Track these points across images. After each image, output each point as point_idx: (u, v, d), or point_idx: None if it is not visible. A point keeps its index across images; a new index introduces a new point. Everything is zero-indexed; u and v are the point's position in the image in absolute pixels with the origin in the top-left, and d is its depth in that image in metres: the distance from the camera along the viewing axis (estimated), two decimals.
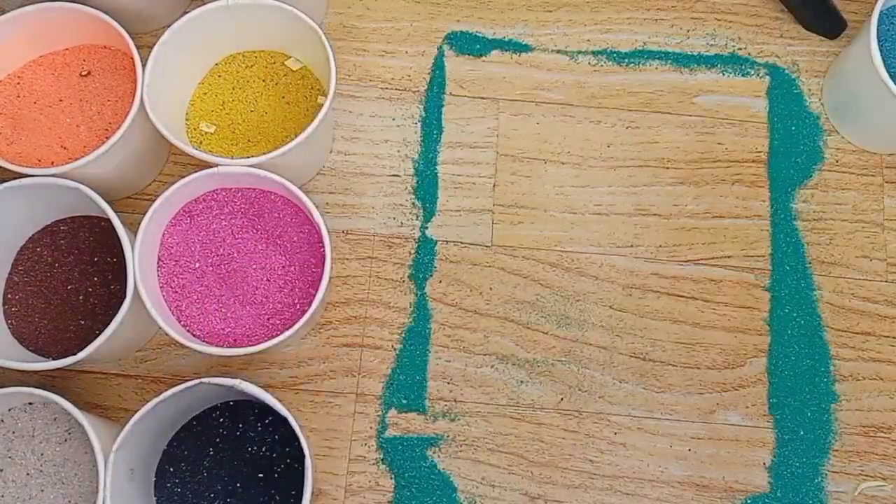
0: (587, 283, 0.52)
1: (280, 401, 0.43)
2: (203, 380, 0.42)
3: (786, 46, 0.57)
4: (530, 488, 0.49)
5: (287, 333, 0.44)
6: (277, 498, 0.45)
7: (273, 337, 0.44)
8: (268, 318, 0.47)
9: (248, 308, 0.47)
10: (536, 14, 0.57)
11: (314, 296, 0.45)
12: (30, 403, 0.45)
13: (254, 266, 0.48)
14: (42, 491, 0.44)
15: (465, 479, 0.49)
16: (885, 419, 0.51)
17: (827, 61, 0.57)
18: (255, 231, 0.49)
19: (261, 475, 0.46)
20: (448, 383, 0.50)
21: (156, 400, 0.42)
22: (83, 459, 0.45)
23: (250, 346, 0.44)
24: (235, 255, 0.48)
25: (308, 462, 0.42)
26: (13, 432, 0.45)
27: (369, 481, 0.49)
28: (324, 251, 0.46)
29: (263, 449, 0.46)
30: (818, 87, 0.56)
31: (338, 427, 0.49)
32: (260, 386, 0.43)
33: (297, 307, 0.47)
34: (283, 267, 0.48)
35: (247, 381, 0.43)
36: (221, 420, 0.47)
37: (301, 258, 0.48)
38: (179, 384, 0.42)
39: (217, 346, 0.46)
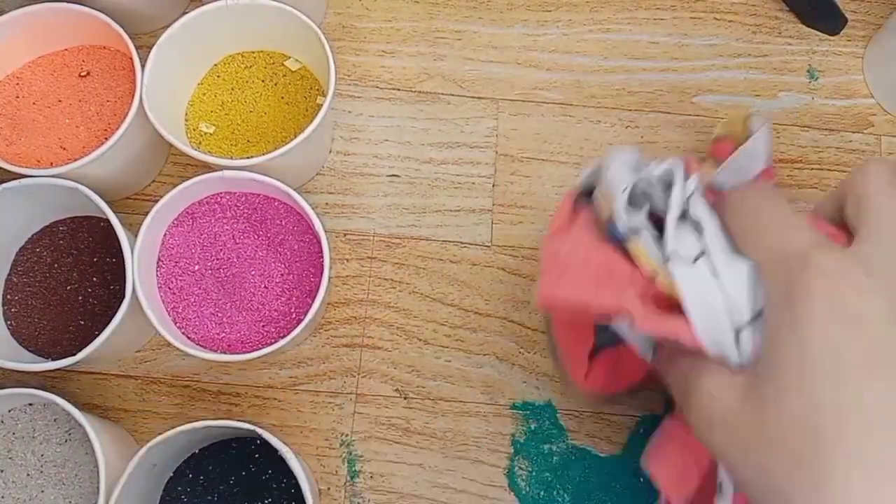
0: None
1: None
2: (212, 423, 0.42)
3: (785, 45, 0.57)
4: None
5: (282, 342, 0.44)
6: None
7: (268, 344, 0.44)
8: (263, 326, 0.47)
9: (244, 314, 0.47)
10: (536, 14, 0.57)
11: (311, 305, 0.45)
12: (30, 404, 0.45)
13: (252, 272, 0.48)
14: (42, 492, 0.44)
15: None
16: None
17: (826, 60, 0.57)
18: (256, 237, 0.49)
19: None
20: (448, 383, 0.50)
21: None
22: (84, 460, 0.44)
23: (244, 352, 0.44)
24: (235, 259, 0.48)
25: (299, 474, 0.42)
26: (13, 433, 0.45)
27: (370, 481, 0.48)
28: (323, 260, 0.45)
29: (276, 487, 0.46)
30: (819, 86, 0.56)
31: (338, 427, 0.49)
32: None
33: (293, 316, 0.47)
34: (282, 275, 0.48)
35: (263, 429, 0.42)
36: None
37: (300, 267, 0.48)
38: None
39: (211, 350, 0.46)
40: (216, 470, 0.46)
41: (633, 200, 0.32)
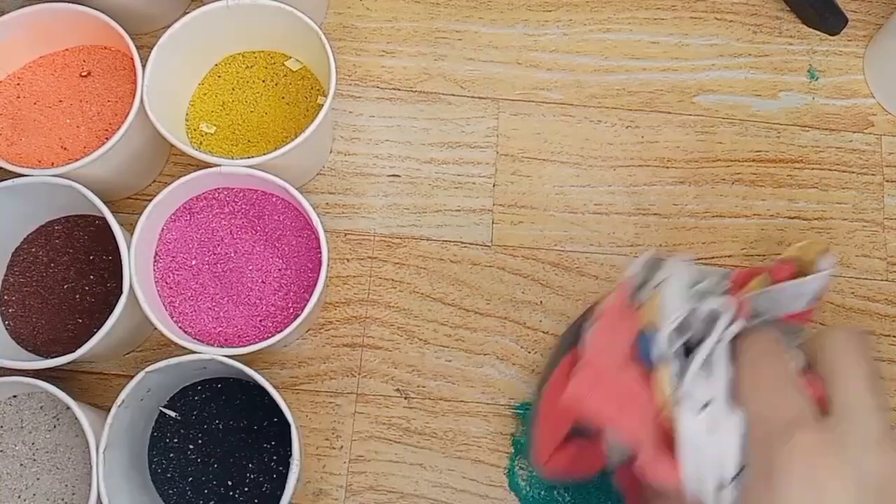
0: (588, 283, 0.52)
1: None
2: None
3: (786, 45, 0.57)
4: None
5: (278, 336, 0.44)
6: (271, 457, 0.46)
7: (264, 339, 0.44)
8: (260, 321, 0.47)
9: (241, 309, 0.47)
10: (536, 14, 0.57)
11: (308, 301, 0.44)
12: (14, 396, 0.46)
13: (250, 267, 0.48)
14: (38, 479, 0.44)
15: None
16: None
17: (826, 60, 0.57)
18: (254, 232, 0.49)
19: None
20: (448, 383, 0.50)
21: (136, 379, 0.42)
22: (74, 443, 0.45)
23: (240, 346, 0.44)
24: (233, 254, 0.48)
25: (293, 426, 0.42)
26: (1, 426, 0.45)
27: (370, 481, 0.48)
28: (321, 256, 0.45)
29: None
30: (819, 86, 0.57)
31: (338, 427, 0.49)
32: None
33: (291, 311, 0.47)
34: (280, 270, 0.48)
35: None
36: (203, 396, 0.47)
37: (298, 262, 0.48)
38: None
39: (208, 344, 0.46)
40: (208, 407, 0.47)
41: (679, 329, 0.34)
